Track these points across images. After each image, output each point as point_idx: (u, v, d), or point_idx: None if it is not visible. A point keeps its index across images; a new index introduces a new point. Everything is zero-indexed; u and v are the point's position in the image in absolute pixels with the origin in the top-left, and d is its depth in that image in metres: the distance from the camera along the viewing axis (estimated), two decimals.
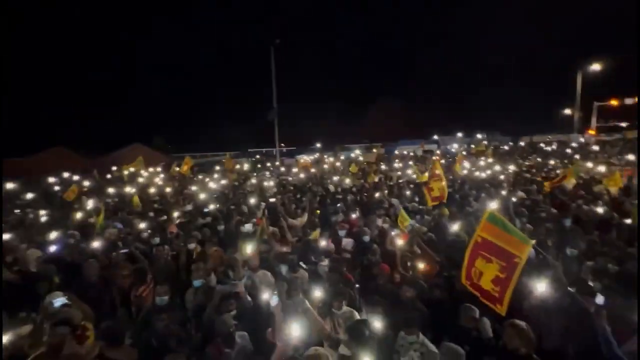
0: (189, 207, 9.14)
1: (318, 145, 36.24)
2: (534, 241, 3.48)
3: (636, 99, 30.67)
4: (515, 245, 3.35)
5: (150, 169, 18.05)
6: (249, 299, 3.92)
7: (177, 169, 17.21)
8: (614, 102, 32.03)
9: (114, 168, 18.13)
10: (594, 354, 2.88)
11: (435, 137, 38.35)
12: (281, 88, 25.40)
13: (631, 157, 15.13)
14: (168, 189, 11.80)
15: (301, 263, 4.89)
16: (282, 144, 36.53)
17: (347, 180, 12.36)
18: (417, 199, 8.76)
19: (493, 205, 5.73)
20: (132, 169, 16.47)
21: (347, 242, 5.87)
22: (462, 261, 3.85)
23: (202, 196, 10.12)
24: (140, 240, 6.16)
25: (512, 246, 3.36)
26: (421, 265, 4.62)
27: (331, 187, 11.51)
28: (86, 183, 13.59)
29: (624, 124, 33.79)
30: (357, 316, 3.50)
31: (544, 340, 3.39)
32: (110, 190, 11.90)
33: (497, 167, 14.07)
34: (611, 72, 30.66)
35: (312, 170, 16.27)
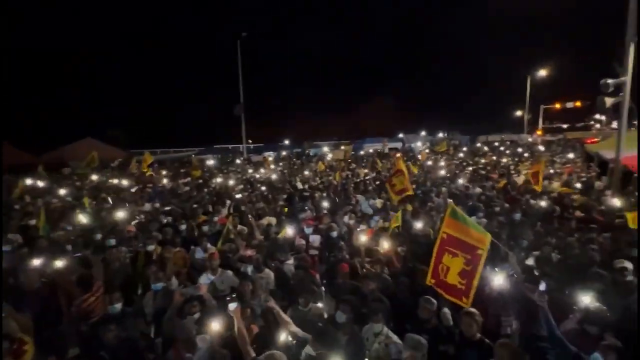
0: (147, 207, 8.64)
1: (287, 142, 35.99)
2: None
3: (575, 104, 34.01)
4: (477, 238, 3.56)
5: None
6: (214, 301, 3.78)
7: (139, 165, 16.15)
8: (557, 106, 35.40)
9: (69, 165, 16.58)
10: (537, 335, 3.13)
11: (401, 135, 39.74)
12: (250, 83, 24.89)
13: (571, 155, 16.72)
14: (125, 183, 11.03)
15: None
16: (250, 140, 35.81)
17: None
18: (383, 195, 8.98)
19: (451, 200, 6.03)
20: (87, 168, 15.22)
21: (314, 239, 5.89)
22: (426, 255, 4.00)
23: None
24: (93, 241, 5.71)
25: (474, 239, 3.57)
26: (385, 259, 4.74)
27: (299, 185, 11.47)
28: (29, 182, 12.30)
29: (565, 126, 37.47)
30: (324, 313, 3.51)
31: (502, 326, 3.65)
32: (62, 191, 10.88)
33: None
34: (556, 78, 33.65)
35: (276, 167, 16.08)
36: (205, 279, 4.47)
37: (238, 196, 8.78)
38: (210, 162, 20.58)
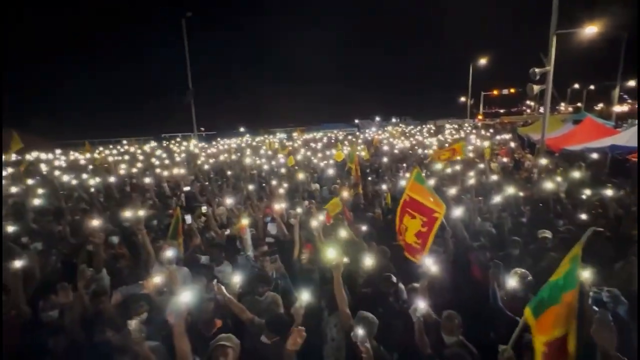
0: None
1: (242, 129, 34.90)
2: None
3: (510, 90, 37.40)
4: (435, 202, 3.84)
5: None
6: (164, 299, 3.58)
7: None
8: (495, 92, 38.71)
9: None
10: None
11: (356, 121, 40.66)
12: (199, 68, 23.34)
13: (506, 136, 18.46)
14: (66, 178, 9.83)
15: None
16: (202, 128, 34.03)
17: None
18: (338, 182, 9.14)
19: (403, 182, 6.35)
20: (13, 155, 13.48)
21: (272, 227, 5.84)
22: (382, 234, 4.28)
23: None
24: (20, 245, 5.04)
25: (433, 203, 3.85)
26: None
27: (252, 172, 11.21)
28: None
29: (502, 110, 41.28)
30: (280, 301, 3.52)
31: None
32: None
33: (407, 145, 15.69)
34: (495, 66, 36.50)
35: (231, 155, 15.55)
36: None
37: (186, 188, 8.28)
38: (158, 152, 19.20)
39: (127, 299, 3.37)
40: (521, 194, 6.92)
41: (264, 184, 9.20)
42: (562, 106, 45.58)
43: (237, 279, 3.46)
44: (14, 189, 8.30)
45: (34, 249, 4.76)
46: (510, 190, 6.44)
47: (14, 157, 14.64)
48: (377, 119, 43.25)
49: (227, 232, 5.50)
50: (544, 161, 9.51)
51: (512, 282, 3.44)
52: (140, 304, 3.29)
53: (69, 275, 4.12)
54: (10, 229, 4.98)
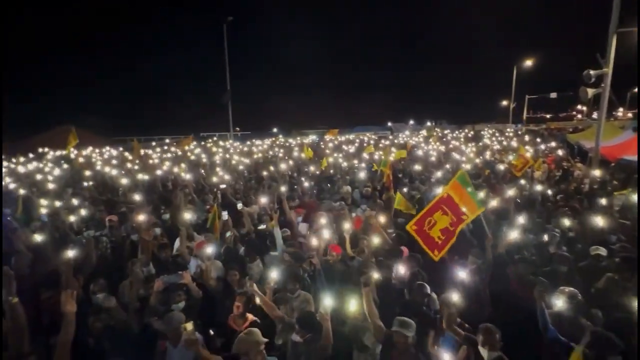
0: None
1: (275, 130, 35.70)
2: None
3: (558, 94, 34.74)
4: (469, 206, 3.92)
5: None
6: (197, 289, 3.76)
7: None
8: (541, 96, 36.17)
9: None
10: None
11: (389, 124, 40.00)
12: (237, 70, 24.26)
13: (553, 144, 17.15)
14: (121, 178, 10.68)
15: None
16: (238, 128, 35.33)
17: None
18: (369, 184, 9.03)
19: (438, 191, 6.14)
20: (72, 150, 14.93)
21: (303, 227, 5.92)
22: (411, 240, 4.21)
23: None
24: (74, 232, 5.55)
25: (466, 205, 3.93)
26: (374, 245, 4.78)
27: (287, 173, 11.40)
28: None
29: (548, 116, 38.35)
30: (311, 300, 3.54)
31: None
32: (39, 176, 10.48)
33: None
34: (541, 68, 34.14)
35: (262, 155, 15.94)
36: (194, 264, 4.46)
37: (222, 186, 8.60)
38: (190, 145, 20.29)
39: (167, 287, 3.58)
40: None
41: (295, 186, 9.32)
42: (620, 112, 41.43)
43: (274, 274, 3.55)
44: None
45: (88, 235, 5.21)
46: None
47: (72, 151, 16.16)
48: (411, 122, 42.28)
49: (263, 226, 5.67)
50: (597, 172, 8.73)
51: (558, 302, 3.16)
52: (179, 293, 3.49)
53: (117, 262, 4.47)
54: (71, 218, 5.49)
